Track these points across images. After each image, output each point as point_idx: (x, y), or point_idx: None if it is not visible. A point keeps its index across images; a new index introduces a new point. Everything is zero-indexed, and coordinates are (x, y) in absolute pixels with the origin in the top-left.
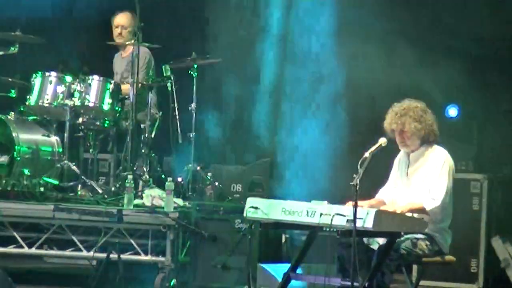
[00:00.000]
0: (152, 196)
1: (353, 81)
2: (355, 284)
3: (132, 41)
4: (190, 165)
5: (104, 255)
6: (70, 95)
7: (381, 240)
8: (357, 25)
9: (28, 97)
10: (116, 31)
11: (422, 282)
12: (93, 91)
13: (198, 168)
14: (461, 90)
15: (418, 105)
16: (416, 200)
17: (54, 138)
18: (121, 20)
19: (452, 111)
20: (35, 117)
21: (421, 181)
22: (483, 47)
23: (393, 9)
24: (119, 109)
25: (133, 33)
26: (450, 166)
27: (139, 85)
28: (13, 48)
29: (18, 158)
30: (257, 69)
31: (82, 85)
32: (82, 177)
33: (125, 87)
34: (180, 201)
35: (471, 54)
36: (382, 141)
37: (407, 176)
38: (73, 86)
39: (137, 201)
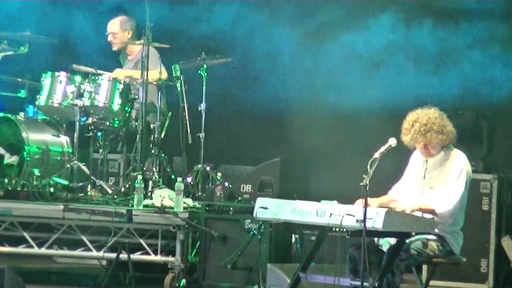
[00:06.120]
0: (161, 196)
1: (361, 81)
2: (365, 284)
3: (142, 41)
4: (199, 166)
5: (114, 255)
6: (80, 95)
7: (393, 240)
8: (359, 24)
9: (38, 97)
10: (108, 40)
11: (432, 282)
12: (102, 91)
13: (208, 168)
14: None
15: (437, 115)
16: (428, 201)
17: (63, 138)
18: (110, 27)
19: None
20: (45, 117)
21: (437, 189)
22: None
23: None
24: (129, 109)
25: (126, 37)
26: (468, 174)
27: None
28: (23, 48)
29: (28, 158)
30: (265, 68)
31: (91, 85)
32: (92, 177)
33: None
34: (189, 201)
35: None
36: (392, 141)
37: (424, 180)
38: (82, 86)
39: (146, 202)
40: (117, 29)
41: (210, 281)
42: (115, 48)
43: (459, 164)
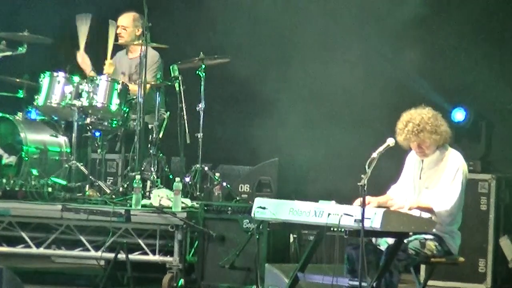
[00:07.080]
0: (160, 196)
1: (359, 81)
2: (363, 284)
3: (140, 41)
4: (198, 165)
5: (112, 255)
6: (78, 95)
7: (391, 240)
8: (359, 25)
9: (36, 97)
10: (117, 32)
11: (430, 282)
12: (101, 91)
13: (206, 168)
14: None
15: (430, 115)
16: (425, 200)
17: (62, 138)
18: (122, 21)
19: (459, 115)
20: (43, 117)
21: (433, 188)
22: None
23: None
24: (127, 110)
25: (134, 34)
26: (464, 173)
27: (148, 85)
28: (21, 49)
29: (26, 158)
30: (264, 69)
31: (90, 85)
32: (90, 177)
33: (134, 88)
34: (188, 201)
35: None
36: (390, 141)
37: (420, 180)
38: (81, 87)
39: (145, 201)
40: (129, 23)
41: (208, 281)
42: (121, 41)
43: (454, 164)
